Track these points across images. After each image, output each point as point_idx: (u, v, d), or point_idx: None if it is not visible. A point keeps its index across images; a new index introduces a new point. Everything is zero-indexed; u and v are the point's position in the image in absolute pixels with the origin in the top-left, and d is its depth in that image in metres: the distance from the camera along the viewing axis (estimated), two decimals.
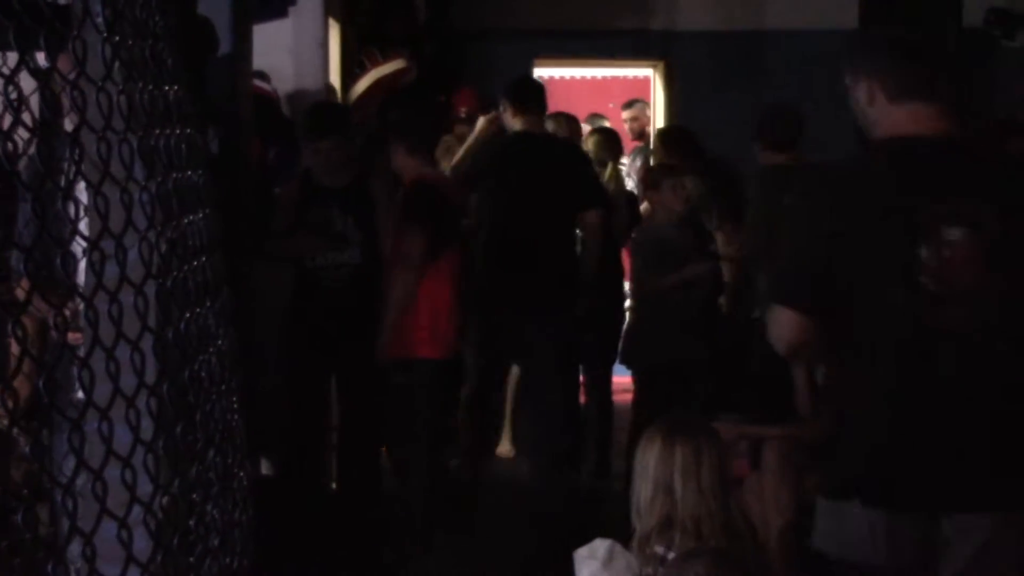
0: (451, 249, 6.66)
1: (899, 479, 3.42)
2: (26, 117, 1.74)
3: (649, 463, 3.84)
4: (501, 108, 7.38)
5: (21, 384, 2.27)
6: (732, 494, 3.91)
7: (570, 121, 8.71)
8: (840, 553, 3.49)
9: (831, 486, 3.54)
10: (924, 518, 3.42)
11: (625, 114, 11.43)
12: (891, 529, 3.41)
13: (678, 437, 3.83)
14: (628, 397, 8.01)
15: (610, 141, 8.66)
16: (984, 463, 3.39)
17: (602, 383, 8.33)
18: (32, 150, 1.81)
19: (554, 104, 13.29)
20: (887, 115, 3.51)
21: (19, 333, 1.62)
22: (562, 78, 13.91)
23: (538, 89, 7.57)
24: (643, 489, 3.85)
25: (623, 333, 7.87)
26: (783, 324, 3.48)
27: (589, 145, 8.51)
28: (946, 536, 3.41)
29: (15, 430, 1.83)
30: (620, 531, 3.94)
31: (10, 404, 1.65)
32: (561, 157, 7.29)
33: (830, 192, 3.56)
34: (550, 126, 8.42)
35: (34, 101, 1.81)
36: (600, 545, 3.92)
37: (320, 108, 7.15)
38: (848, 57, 3.66)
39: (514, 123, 7.20)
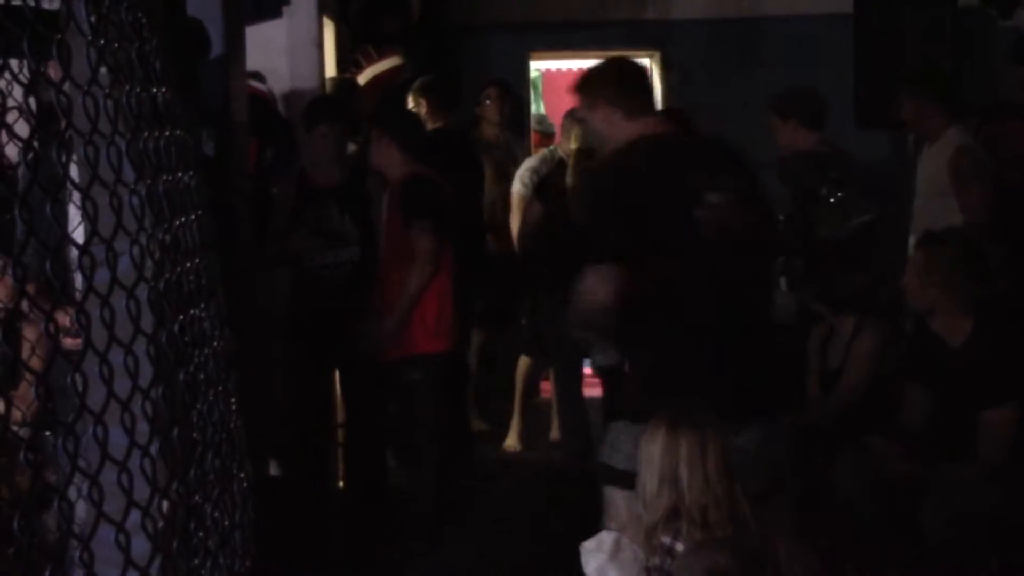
0: (449, 243, 6.65)
1: (692, 399, 4.09)
2: (22, 124, 1.73)
3: (654, 454, 3.83)
4: (414, 104, 7.97)
5: (26, 392, 2.26)
6: (738, 483, 3.91)
7: None
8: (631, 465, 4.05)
9: (635, 410, 4.21)
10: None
11: None
12: None
13: (682, 427, 3.82)
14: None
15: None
16: (746, 382, 4.24)
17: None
18: (28, 157, 1.80)
19: (552, 97, 13.34)
20: (625, 130, 4.39)
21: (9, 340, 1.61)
22: (559, 70, 13.87)
23: (456, 90, 8.53)
24: (649, 480, 3.85)
25: None
26: (606, 278, 4.16)
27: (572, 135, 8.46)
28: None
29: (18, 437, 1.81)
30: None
31: (16, 412, 1.64)
32: (468, 151, 8.09)
33: (621, 174, 4.36)
34: (571, 125, 8.50)
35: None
36: (607, 537, 3.92)
37: (317, 99, 7.23)
38: (583, 89, 4.56)
39: (427, 119, 7.83)
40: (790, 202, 7.23)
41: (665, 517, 3.77)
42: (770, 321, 4.52)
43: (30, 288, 1.71)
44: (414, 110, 7.91)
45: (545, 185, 8.07)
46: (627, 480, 4.16)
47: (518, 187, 8.51)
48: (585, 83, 4.60)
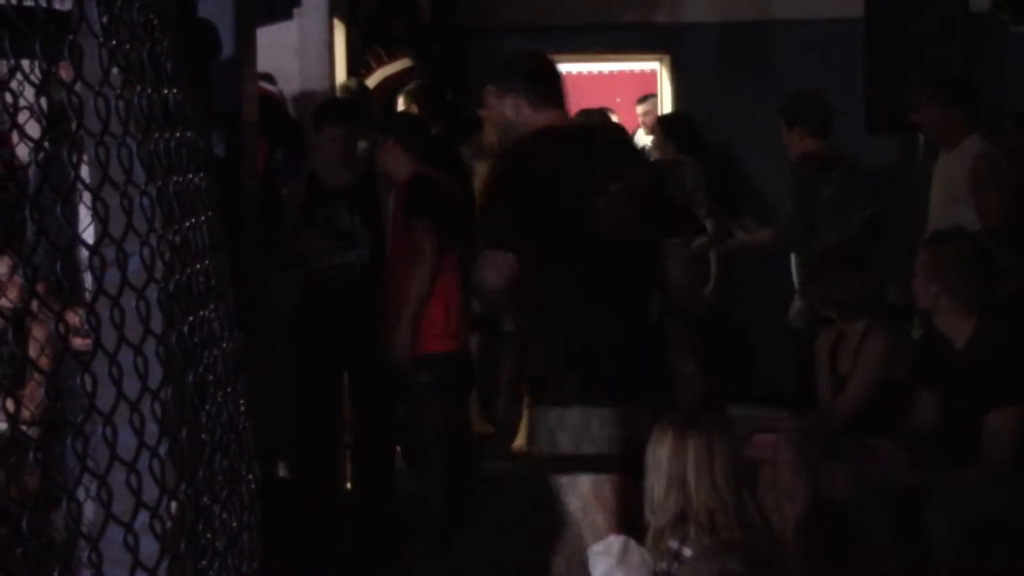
0: (454, 243, 6.66)
1: (609, 383, 4.33)
2: (34, 124, 1.74)
3: (662, 458, 3.83)
4: (405, 108, 8.14)
5: (34, 391, 2.25)
6: (746, 486, 3.91)
7: (601, 114, 8.92)
8: (589, 449, 4.29)
9: (562, 397, 4.36)
10: (631, 411, 4.31)
11: (639, 108, 11.43)
12: (612, 421, 4.29)
13: (690, 431, 3.82)
14: None
15: None
16: (642, 367, 4.43)
17: None
18: (39, 157, 1.81)
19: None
20: (532, 120, 4.59)
21: (20, 340, 1.61)
22: (568, 73, 13.86)
23: (447, 97, 8.70)
24: (656, 484, 3.85)
25: None
26: (496, 264, 4.35)
27: None
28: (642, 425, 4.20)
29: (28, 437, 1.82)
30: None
31: (25, 411, 1.64)
32: (453, 157, 8.21)
33: (521, 162, 4.55)
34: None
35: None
36: (614, 541, 3.92)
37: (329, 100, 7.26)
38: (494, 78, 4.75)
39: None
40: (791, 204, 7.30)
41: (673, 521, 3.77)
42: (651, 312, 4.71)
43: (40, 288, 1.72)
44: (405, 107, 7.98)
45: None
46: (572, 463, 4.33)
47: None
48: (496, 73, 4.82)
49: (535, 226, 4.38)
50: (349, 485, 7.20)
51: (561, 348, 4.41)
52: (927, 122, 7.26)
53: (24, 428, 2.28)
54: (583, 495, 4.32)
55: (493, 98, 4.73)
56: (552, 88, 4.69)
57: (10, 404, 1.77)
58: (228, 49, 5.27)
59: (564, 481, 4.39)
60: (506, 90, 4.67)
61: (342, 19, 8.61)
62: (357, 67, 8.57)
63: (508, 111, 4.67)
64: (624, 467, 4.24)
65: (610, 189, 4.41)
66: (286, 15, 7.41)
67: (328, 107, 7.03)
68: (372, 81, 8.42)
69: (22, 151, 2.69)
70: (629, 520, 4.17)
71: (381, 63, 8.39)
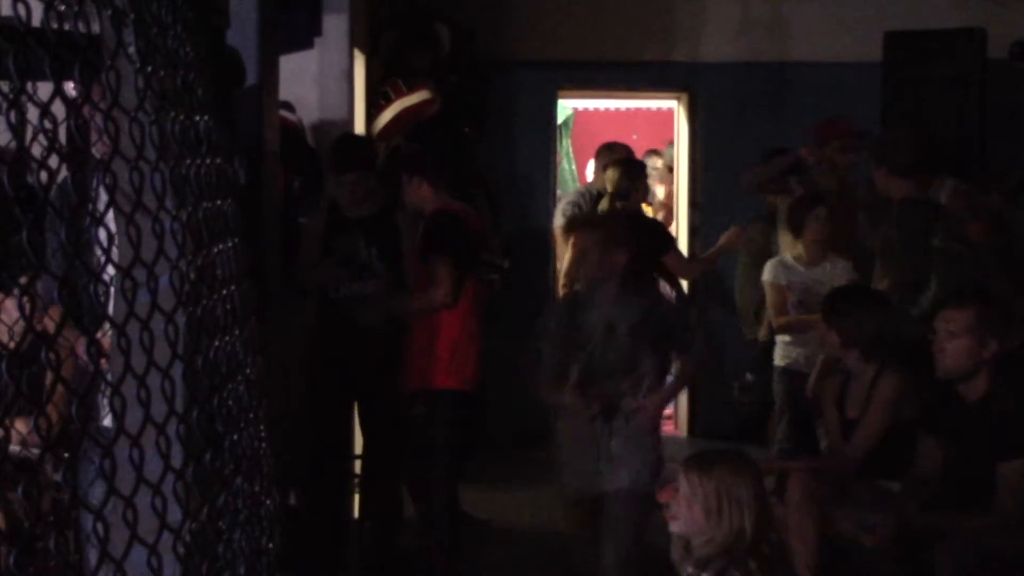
0: (471, 279, 6.64)
1: None
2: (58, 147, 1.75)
3: (689, 496, 3.83)
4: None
5: (51, 411, 2.25)
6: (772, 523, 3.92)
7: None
8: None
9: None
10: None
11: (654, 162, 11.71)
12: None
13: (715, 468, 3.83)
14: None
15: (631, 171, 8.65)
16: None
17: None
18: (62, 178, 1.82)
19: (579, 136, 13.41)
20: None
21: (52, 361, 1.62)
22: (586, 109, 13.92)
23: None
24: (683, 522, 3.85)
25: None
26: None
27: (608, 176, 8.60)
28: None
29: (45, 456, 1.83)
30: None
31: (44, 431, 1.65)
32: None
33: None
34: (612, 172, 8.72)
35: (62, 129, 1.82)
36: None
37: (344, 141, 7.20)
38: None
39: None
40: (901, 248, 7.15)
41: (698, 557, 3.77)
42: None
43: (53, 311, 1.73)
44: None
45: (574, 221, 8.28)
46: None
47: (560, 221, 8.93)
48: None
49: None
50: (356, 515, 7.20)
51: None
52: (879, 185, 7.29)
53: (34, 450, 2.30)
54: None
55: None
56: None
57: (20, 426, 1.78)
58: (251, 77, 5.31)
59: None
60: None
61: (362, 50, 8.66)
62: (377, 98, 8.61)
63: None
64: None
65: None
66: (307, 44, 7.45)
67: (358, 149, 7.02)
68: (391, 112, 8.45)
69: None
70: None
71: (400, 94, 8.42)
